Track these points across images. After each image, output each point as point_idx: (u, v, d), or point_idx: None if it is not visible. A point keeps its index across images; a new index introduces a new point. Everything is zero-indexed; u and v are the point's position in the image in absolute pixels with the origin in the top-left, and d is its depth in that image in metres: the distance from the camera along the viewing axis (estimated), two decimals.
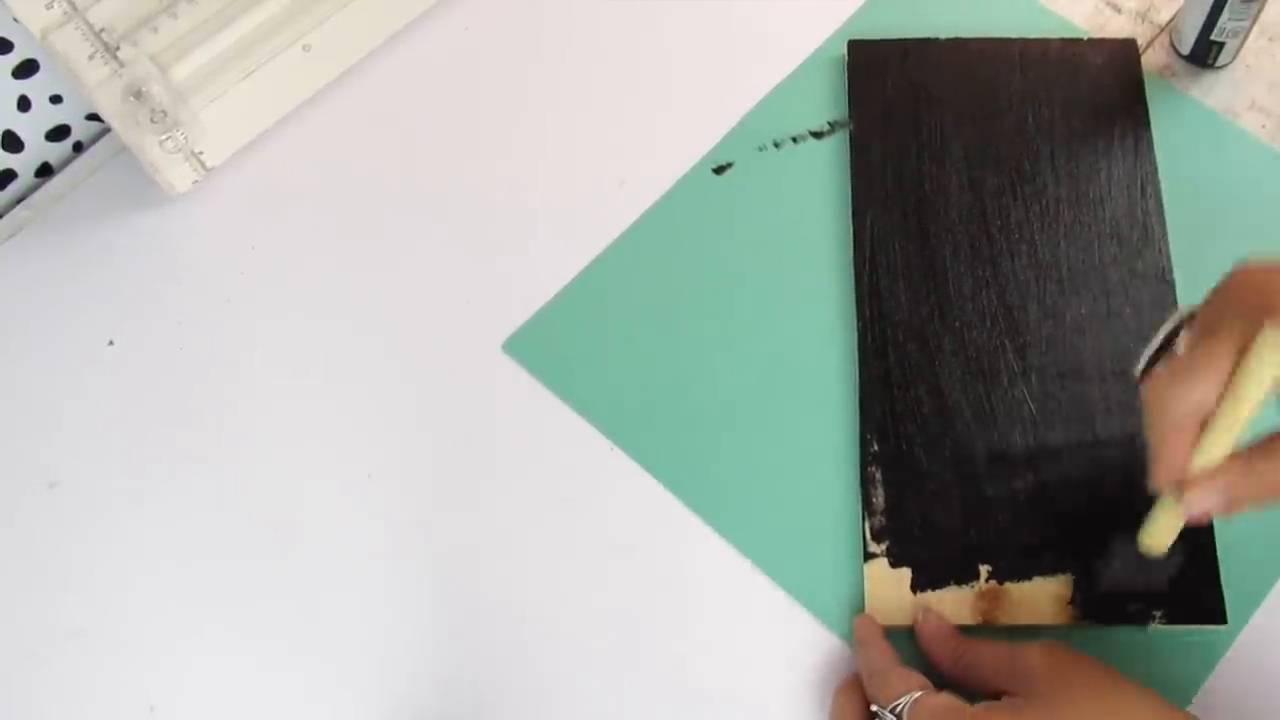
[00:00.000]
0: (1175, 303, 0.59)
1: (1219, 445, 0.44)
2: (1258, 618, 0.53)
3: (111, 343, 0.64)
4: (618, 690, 0.54)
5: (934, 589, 0.53)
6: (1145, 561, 0.50)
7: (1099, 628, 0.52)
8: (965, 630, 0.52)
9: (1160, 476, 0.45)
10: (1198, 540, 0.53)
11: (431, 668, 0.55)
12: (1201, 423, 0.44)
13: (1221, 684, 0.52)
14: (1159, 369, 0.46)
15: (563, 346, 0.62)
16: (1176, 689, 0.52)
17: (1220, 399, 0.44)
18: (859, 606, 0.54)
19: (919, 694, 0.48)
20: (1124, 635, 0.53)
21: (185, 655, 0.56)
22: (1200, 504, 0.45)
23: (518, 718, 0.54)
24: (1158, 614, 0.52)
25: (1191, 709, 0.51)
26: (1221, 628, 0.52)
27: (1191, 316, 0.47)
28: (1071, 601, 0.53)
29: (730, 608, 0.55)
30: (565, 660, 0.55)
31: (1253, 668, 0.52)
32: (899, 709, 0.48)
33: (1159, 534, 0.48)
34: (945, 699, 0.47)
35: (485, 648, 0.55)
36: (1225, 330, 0.44)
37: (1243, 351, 0.43)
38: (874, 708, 0.49)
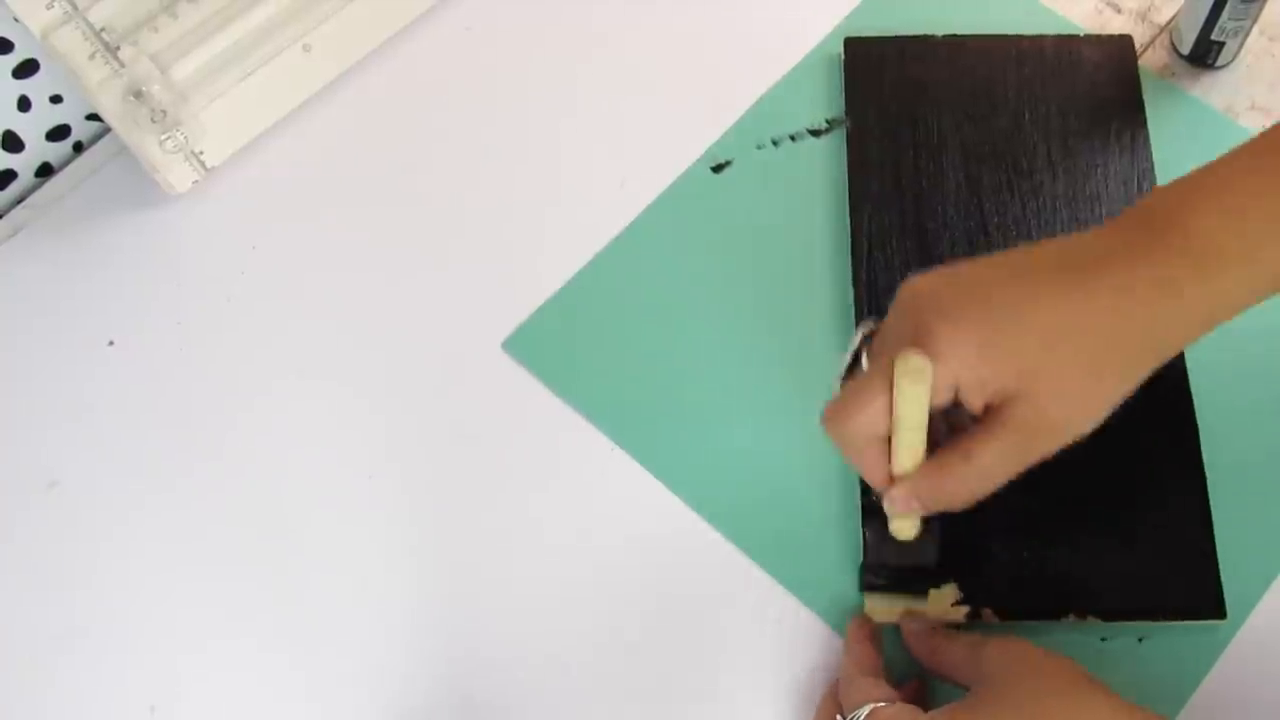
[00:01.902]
0: None
1: (906, 456, 0.45)
2: (1258, 612, 0.53)
3: (111, 343, 0.64)
4: (618, 689, 0.54)
5: (934, 587, 0.53)
6: (900, 544, 0.51)
7: (1098, 625, 0.52)
8: (966, 629, 0.52)
9: (871, 483, 0.47)
10: (1197, 536, 0.53)
11: (431, 666, 0.55)
12: (885, 438, 0.45)
13: (1222, 679, 0.52)
14: (829, 401, 0.47)
15: (563, 345, 0.62)
16: (1176, 684, 0.52)
17: (891, 419, 0.45)
18: (860, 605, 0.54)
19: (876, 705, 0.47)
20: (1124, 632, 0.53)
21: (185, 655, 0.56)
22: (898, 509, 0.47)
23: (518, 717, 0.54)
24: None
25: (1191, 704, 0.51)
26: (1221, 623, 0.52)
27: (875, 331, 0.48)
28: (1070, 599, 0.53)
29: (731, 606, 0.55)
30: (566, 659, 0.55)
31: (1253, 663, 0.52)
32: (855, 719, 0.48)
33: (896, 525, 0.50)
34: (900, 711, 0.47)
35: (486, 647, 0.55)
36: (884, 357, 0.45)
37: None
38: (837, 715, 0.49)
